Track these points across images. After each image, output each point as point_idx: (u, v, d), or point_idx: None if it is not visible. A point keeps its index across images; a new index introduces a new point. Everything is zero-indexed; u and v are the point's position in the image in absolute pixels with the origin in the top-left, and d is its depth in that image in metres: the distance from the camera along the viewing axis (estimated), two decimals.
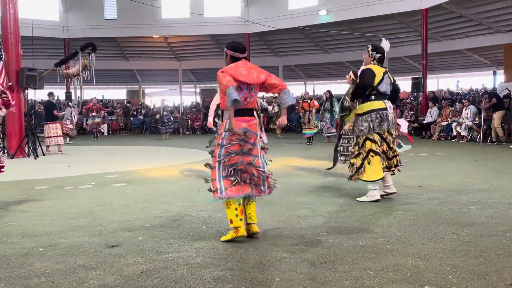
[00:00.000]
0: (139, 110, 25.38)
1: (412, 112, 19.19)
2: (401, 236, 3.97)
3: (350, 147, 6.52)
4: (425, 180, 6.95)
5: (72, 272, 3.20)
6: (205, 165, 4.18)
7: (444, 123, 16.01)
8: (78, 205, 5.56)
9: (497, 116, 13.73)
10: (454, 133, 15.21)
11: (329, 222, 4.52)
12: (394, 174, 5.65)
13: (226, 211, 3.94)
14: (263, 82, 4.02)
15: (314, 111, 14.54)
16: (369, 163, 5.36)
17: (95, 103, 19.64)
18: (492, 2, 17.69)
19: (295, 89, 30.70)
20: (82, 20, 24.12)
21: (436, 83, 28.29)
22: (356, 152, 5.50)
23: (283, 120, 4.22)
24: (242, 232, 3.87)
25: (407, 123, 6.44)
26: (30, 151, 11.55)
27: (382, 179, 5.47)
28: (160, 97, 25.42)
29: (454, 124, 15.30)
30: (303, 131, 14.69)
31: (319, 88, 27.98)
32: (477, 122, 14.41)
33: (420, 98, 19.39)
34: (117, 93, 32.58)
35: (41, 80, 12.31)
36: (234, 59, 4.04)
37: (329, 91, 15.27)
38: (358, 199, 5.49)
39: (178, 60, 28.27)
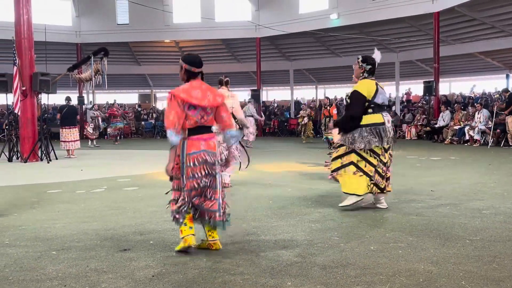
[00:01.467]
0: (150, 114, 25.52)
1: (424, 116, 19.07)
2: (413, 241, 3.94)
3: None
4: (438, 185, 6.90)
5: (84, 276, 3.22)
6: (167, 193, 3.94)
7: (456, 127, 15.88)
8: (91, 209, 5.59)
9: (511, 120, 13.58)
10: (467, 137, 15.08)
11: (340, 226, 4.50)
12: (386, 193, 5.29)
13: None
14: (219, 105, 3.76)
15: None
16: (345, 172, 5.14)
17: (118, 108, 19.87)
18: (505, 5, 17.52)
19: (306, 93, 30.71)
20: (94, 25, 24.33)
21: (448, 86, 28.09)
22: (336, 155, 5.26)
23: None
24: (190, 241, 3.63)
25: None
26: (43, 155, 11.65)
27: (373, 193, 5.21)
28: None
29: (466, 128, 15.17)
30: (324, 136, 14.76)
31: (330, 92, 27.90)
32: (490, 126, 14.29)
33: (432, 102, 19.26)
34: (129, 97, 32.77)
35: (54, 85, 12.45)
36: (189, 74, 3.79)
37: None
38: (340, 204, 5.25)
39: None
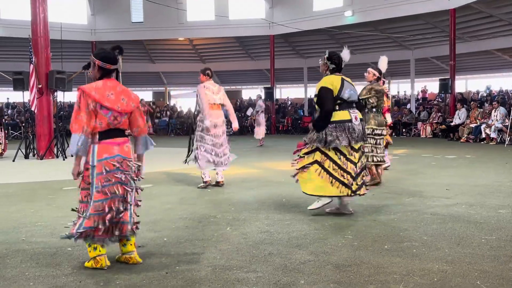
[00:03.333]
0: (164, 112, 25.66)
1: (440, 114, 18.89)
2: (427, 240, 3.91)
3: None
4: (453, 183, 6.83)
5: (99, 272, 3.25)
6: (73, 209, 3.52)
7: (472, 125, 15.70)
8: None
9: None
10: (483, 135, 14.90)
11: (353, 225, 4.48)
12: (361, 194, 4.89)
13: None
14: (133, 110, 3.44)
15: None
16: (309, 172, 4.81)
17: (144, 104, 20.15)
18: None
19: None
20: (109, 24, 24.53)
21: (464, 84, 27.77)
22: (304, 155, 4.91)
23: None
24: (103, 262, 3.31)
25: None
26: (59, 152, 11.78)
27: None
28: (185, 99, 25.65)
29: (483, 126, 14.99)
30: None
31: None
32: (507, 124, 14.10)
33: (448, 100, 19.06)
34: (143, 95, 32.93)
35: (70, 83, 12.57)
36: (103, 71, 3.40)
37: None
38: (309, 207, 4.96)
39: (203, 62, 28.43)
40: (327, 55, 5.01)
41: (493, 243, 3.80)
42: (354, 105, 4.97)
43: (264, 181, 7.33)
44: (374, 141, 6.63)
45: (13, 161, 11.12)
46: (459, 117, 16.70)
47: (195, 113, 6.77)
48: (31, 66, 11.68)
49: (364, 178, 4.92)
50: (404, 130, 19.89)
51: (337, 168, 4.73)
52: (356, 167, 4.78)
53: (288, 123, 24.37)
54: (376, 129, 6.59)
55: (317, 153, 4.79)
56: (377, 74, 6.96)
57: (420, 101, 24.72)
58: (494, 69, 24.90)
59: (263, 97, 16.01)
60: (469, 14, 18.98)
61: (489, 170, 8.29)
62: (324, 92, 4.86)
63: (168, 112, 25.42)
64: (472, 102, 17.71)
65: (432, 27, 21.15)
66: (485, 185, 6.68)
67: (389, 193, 6.15)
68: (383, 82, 7.22)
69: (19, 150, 11.72)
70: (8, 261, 3.53)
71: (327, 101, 4.82)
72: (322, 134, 4.73)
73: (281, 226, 4.45)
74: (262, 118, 15.13)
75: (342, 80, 4.93)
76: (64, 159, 11.47)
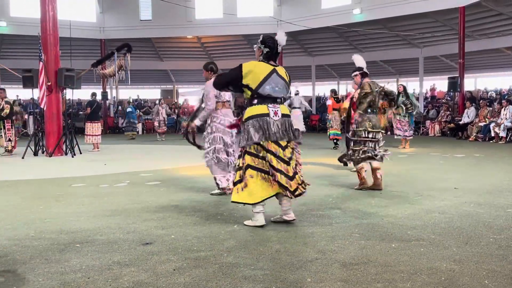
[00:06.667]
0: (172, 110, 25.70)
1: (449, 112, 18.79)
2: (435, 239, 3.90)
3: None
4: (461, 182, 6.79)
5: (108, 268, 3.27)
6: None
7: (481, 124, 15.60)
8: (114, 202, 5.67)
9: None
10: (492, 134, 14.80)
11: (361, 223, 4.48)
12: (298, 196, 4.39)
13: None
14: None
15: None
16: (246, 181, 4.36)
17: (186, 106, 20.70)
18: None
19: (328, 89, 30.45)
20: (118, 21, 24.62)
21: (473, 82, 27.58)
22: (240, 165, 4.46)
23: None
24: None
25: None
26: (68, 149, 11.85)
27: (279, 200, 4.47)
28: (193, 96, 25.66)
29: (492, 124, 14.89)
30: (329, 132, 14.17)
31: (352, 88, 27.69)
32: None
33: (457, 98, 18.94)
34: (151, 92, 33.05)
35: (79, 80, 12.65)
36: None
37: (402, 85, 13.07)
38: (245, 222, 4.47)
39: (211, 60, 28.49)
40: (261, 39, 4.53)
41: (502, 242, 3.77)
42: (281, 100, 4.48)
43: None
44: (366, 143, 6.27)
45: (22, 158, 11.20)
46: (468, 115, 16.61)
47: (197, 111, 6.38)
48: (41, 63, 11.76)
49: (301, 177, 4.44)
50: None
51: (266, 165, 4.34)
52: (288, 165, 4.33)
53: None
54: (370, 131, 6.24)
55: (246, 155, 4.38)
56: (358, 74, 6.58)
57: (429, 100, 24.61)
58: (503, 68, 24.71)
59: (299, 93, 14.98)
60: (478, 12, 18.86)
61: (498, 169, 8.24)
62: (229, 72, 4.55)
63: (176, 110, 25.46)
64: (481, 101, 17.59)
65: (441, 25, 21.02)
66: (493, 184, 6.64)
67: (397, 191, 6.14)
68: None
69: (29, 147, 11.81)
70: (17, 257, 3.56)
71: (225, 75, 4.62)
72: (244, 132, 4.39)
73: (287, 224, 4.45)
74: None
75: (273, 71, 4.43)
76: (73, 156, 11.54)
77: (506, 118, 14.46)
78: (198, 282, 3.00)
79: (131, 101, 26.18)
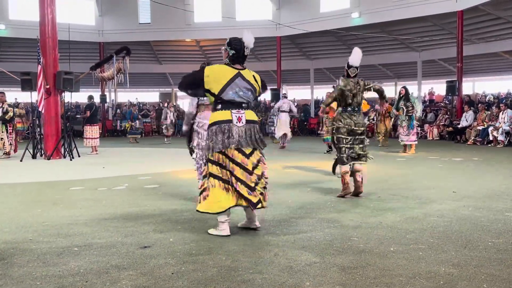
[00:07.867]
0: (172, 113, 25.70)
1: (447, 116, 18.82)
2: (434, 242, 3.90)
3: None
4: (460, 186, 6.80)
5: (106, 272, 3.26)
6: None
7: (480, 128, 15.63)
8: (112, 206, 5.66)
9: None
10: (491, 138, 14.82)
11: (359, 227, 4.48)
12: (259, 208, 4.25)
13: None
14: None
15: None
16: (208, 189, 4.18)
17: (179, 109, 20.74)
18: None
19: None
20: (117, 25, 24.64)
21: (471, 86, 27.65)
22: (204, 173, 4.35)
23: None
24: None
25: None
26: (66, 152, 11.84)
27: (244, 208, 4.32)
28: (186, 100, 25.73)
29: (490, 128, 14.92)
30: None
31: None
32: None
33: (455, 102, 18.98)
34: (150, 96, 33.08)
35: (77, 83, 12.65)
36: None
37: (404, 87, 13.30)
38: (209, 231, 4.28)
39: (210, 63, 28.53)
40: (227, 41, 4.42)
41: (500, 246, 3.78)
42: (247, 105, 4.27)
43: (270, 183, 7.31)
44: (348, 141, 6.06)
45: (21, 161, 11.19)
46: (466, 119, 16.63)
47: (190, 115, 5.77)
48: (39, 66, 11.75)
49: (263, 189, 4.27)
50: None
51: (228, 174, 4.14)
52: (251, 174, 4.16)
53: (294, 125, 24.36)
54: (352, 130, 6.02)
55: (208, 163, 4.21)
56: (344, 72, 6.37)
57: (427, 103, 24.65)
58: (501, 71, 24.77)
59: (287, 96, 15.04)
60: (476, 16, 18.91)
61: (497, 173, 8.25)
62: (192, 74, 4.44)
63: (174, 113, 25.44)
64: (479, 104, 17.62)
65: (440, 29, 21.08)
66: (492, 188, 6.64)
67: (395, 195, 6.14)
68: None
69: (27, 150, 11.80)
70: (15, 260, 3.55)
71: (186, 77, 4.48)
72: (207, 139, 4.23)
73: (287, 228, 4.45)
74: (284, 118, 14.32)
75: (237, 75, 4.25)
76: (71, 159, 11.53)
77: (504, 122, 14.48)
78: (196, 285, 3.00)
79: (135, 103, 26.29)
